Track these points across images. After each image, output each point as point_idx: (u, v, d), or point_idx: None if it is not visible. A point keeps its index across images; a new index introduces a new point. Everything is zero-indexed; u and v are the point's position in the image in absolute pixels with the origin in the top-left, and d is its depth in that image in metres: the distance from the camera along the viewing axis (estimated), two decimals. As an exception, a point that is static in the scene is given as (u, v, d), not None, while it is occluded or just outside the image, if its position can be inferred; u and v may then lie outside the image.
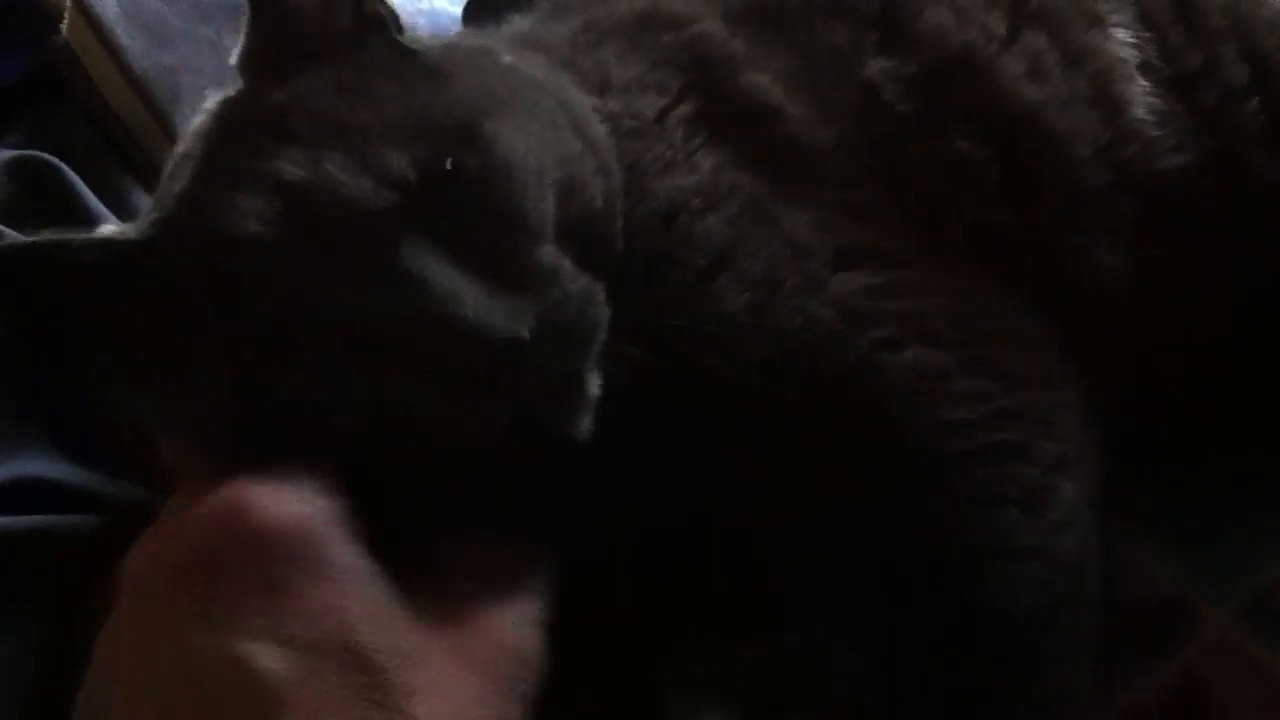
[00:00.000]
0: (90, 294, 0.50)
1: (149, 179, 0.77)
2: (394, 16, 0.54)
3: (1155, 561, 0.59)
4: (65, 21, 0.78)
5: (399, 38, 0.54)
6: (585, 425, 0.47)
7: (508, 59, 0.56)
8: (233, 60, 0.54)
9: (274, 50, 0.52)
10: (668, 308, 0.52)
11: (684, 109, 0.58)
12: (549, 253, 0.47)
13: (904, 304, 0.53)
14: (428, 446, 0.46)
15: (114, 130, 0.81)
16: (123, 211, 0.70)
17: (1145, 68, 0.60)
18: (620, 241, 0.53)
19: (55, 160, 0.70)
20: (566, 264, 0.47)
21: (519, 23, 0.66)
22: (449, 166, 0.47)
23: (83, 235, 0.50)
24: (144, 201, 0.72)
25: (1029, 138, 0.59)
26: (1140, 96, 0.59)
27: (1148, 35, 0.61)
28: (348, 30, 0.52)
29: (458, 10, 0.92)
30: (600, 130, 0.55)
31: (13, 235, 0.64)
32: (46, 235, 0.50)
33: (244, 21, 0.54)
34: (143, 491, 0.58)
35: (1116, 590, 0.57)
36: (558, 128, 0.52)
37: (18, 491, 0.57)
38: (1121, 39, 0.61)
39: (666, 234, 0.53)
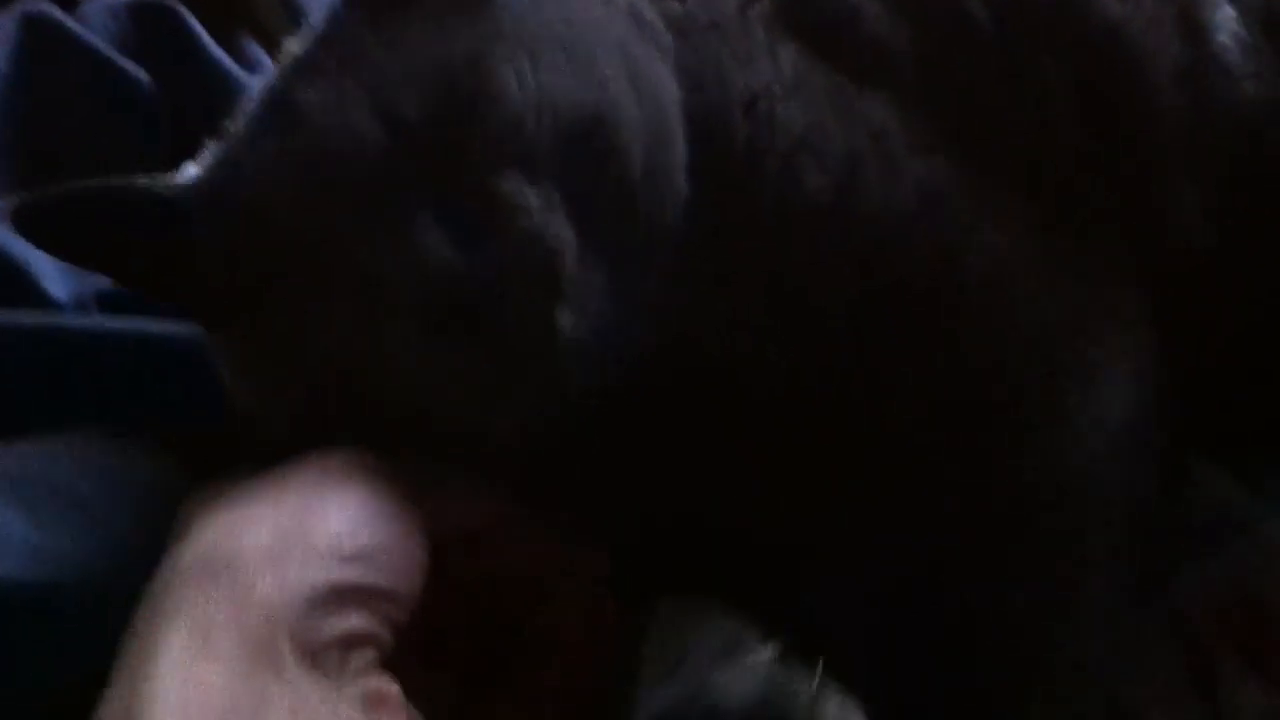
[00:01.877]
0: (151, 239, 0.51)
1: (259, 37, 0.80)
2: None
3: (1217, 478, 0.59)
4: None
5: None
6: (562, 361, 0.47)
7: None
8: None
9: None
10: (752, 199, 0.53)
11: (763, 5, 0.58)
12: (510, 179, 0.48)
13: (982, 192, 0.54)
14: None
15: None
16: (241, 60, 0.73)
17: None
18: (673, 192, 0.53)
19: (175, 4, 0.73)
20: (531, 196, 0.48)
21: None
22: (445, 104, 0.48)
23: (145, 181, 0.51)
24: (260, 54, 0.75)
25: (1109, 56, 0.58)
26: (1225, 23, 0.60)
27: None
28: None
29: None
30: (670, 87, 0.55)
31: (138, 71, 0.68)
32: (115, 179, 0.51)
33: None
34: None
35: (1177, 503, 0.58)
36: (596, 69, 0.52)
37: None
38: None
39: (746, 122, 0.54)
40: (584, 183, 0.49)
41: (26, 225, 0.50)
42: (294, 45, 0.53)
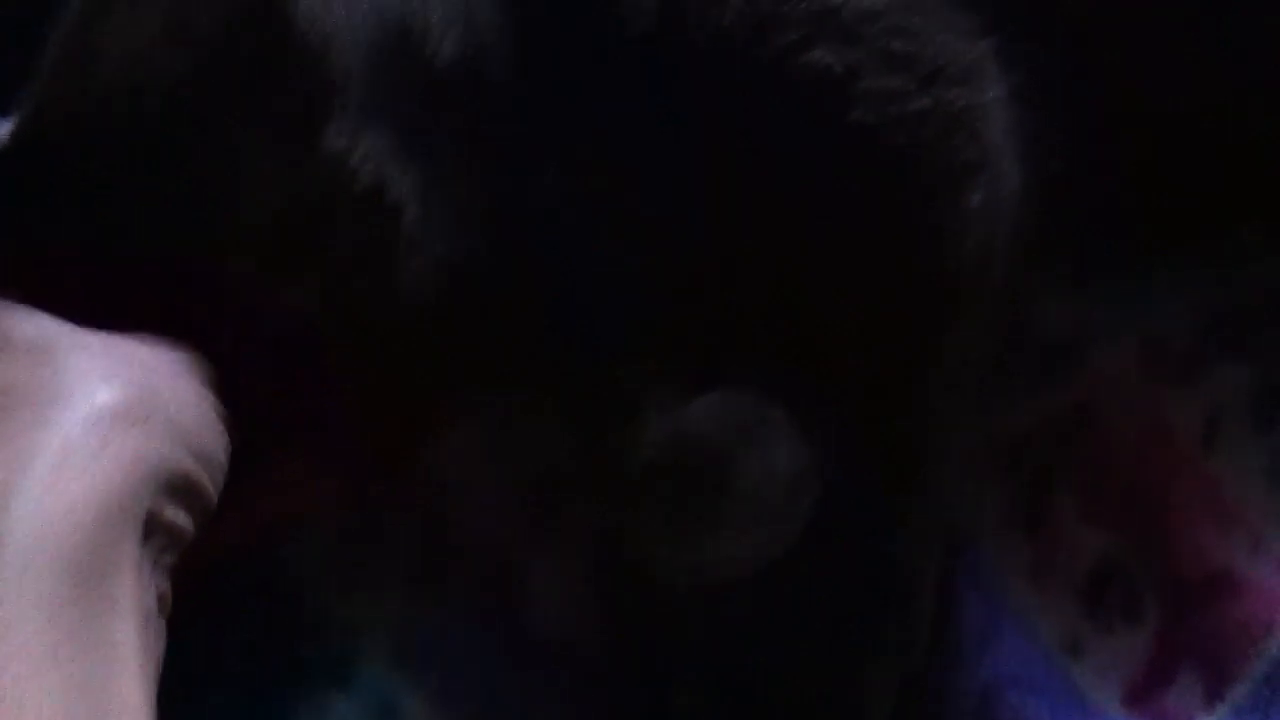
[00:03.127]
0: None
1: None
2: None
3: (1053, 302, 0.60)
4: None
5: None
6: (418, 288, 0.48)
7: None
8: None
9: None
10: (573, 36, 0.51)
11: None
12: (334, 128, 0.47)
13: (814, 3, 0.50)
14: None
15: None
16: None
17: None
18: (491, 82, 0.51)
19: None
20: (360, 144, 0.47)
21: None
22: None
23: None
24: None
25: None
26: None
27: None
28: None
29: None
30: None
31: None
32: None
33: None
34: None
35: (1013, 328, 0.59)
36: None
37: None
38: None
39: None
40: (407, 106, 0.48)
41: None
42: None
